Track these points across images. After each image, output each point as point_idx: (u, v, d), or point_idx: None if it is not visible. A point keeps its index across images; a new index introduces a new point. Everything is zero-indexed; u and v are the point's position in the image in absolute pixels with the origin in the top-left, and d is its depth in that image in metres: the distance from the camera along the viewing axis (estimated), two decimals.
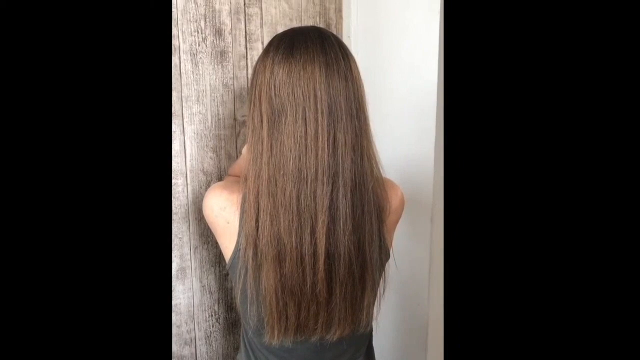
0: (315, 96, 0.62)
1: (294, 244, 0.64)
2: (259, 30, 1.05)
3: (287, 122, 0.63)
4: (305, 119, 0.62)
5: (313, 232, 0.64)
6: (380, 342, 0.88)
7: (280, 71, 0.63)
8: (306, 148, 0.62)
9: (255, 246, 0.65)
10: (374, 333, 0.85)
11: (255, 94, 0.66)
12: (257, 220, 0.65)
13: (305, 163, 0.62)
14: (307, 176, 0.63)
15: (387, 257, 0.75)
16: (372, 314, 0.76)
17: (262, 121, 0.64)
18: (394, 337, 1.25)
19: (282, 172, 0.63)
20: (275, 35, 0.70)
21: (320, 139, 0.62)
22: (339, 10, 1.22)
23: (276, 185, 0.63)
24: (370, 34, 1.22)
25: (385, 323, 1.26)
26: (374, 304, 0.75)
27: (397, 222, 0.78)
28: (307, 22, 1.15)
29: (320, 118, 0.62)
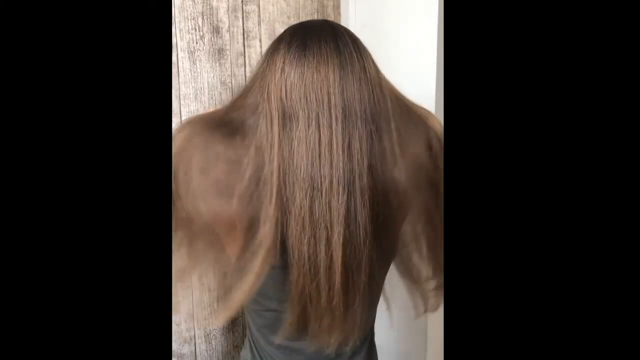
0: (329, 101, 0.60)
1: (306, 255, 0.61)
2: (257, 27, 1.05)
3: (299, 128, 0.60)
4: (319, 125, 0.60)
5: (329, 244, 0.61)
6: (381, 340, 0.89)
7: (292, 72, 0.61)
8: (320, 156, 0.60)
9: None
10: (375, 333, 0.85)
11: (264, 92, 0.63)
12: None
13: (319, 171, 0.60)
14: (321, 185, 0.60)
15: (394, 256, 0.75)
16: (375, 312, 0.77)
17: (272, 123, 0.62)
18: (394, 335, 1.26)
19: (291, 180, 0.60)
20: (286, 30, 0.67)
21: (335, 147, 0.60)
22: (336, 7, 1.22)
23: (285, 192, 0.61)
24: (368, 31, 1.22)
25: (385, 321, 1.27)
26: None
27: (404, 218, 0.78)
28: (305, 19, 1.15)
29: (334, 124, 0.60)
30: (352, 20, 1.25)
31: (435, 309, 0.74)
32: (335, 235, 0.61)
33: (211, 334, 1.07)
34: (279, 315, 0.68)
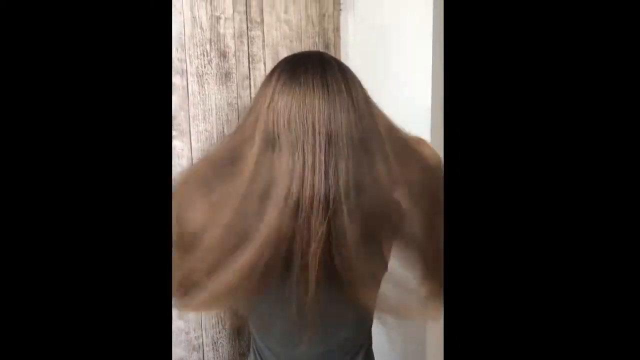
0: (314, 128, 0.63)
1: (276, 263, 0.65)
2: (262, 51, 1.12)
3: (282, 152, 0.63)
4: (303, 150, 0.62)
5: (304, 256, 0.64)
6: (380, 346, 0.93)
7: (280, 101, 0.64)
8: (301, 179, 0.62)
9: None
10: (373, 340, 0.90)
11: (254, 119, 0.66)
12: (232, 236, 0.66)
13: (300, 192, 0.62)
14: (297, 203, 0.63)
15: (385, 269, 0.79)
16: (371, 318, 0.81)
17: (256, 147, 0.65)
18: (393, 341, 1.30)
19: (266, 199, 0.63)
20: (279, 62, 0.71)
21: (317, 170, 0.62)
22: (336, 30, 1.28)
23: (262, 209, 0.63)
24: (367, 52, 1.28)
25: (383, 328, 1.31)
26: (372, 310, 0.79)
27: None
28: (307, 42, 1.22)
29: (317, 150, 0.62)
30: (352, 42, 1.31)
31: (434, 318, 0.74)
32: (312, 249, 0.63)
33: (218, 342, 1.13)
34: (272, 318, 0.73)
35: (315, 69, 0.66)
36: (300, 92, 0.64)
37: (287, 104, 0.63)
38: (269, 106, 0.64)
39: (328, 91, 0.64)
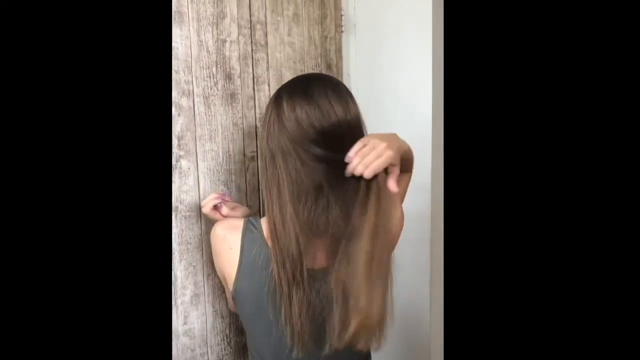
0: (336, 129, 0.74)
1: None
2: (266, 73, 1.15)
3: (312, 153, 0.74)
4: (331, 148, 0.74)
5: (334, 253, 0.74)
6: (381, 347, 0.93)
7: (300, 111, 0.73)
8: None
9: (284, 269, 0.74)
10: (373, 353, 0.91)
11: (275, 134, 0.75)
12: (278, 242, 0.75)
13: (327, 182, 0.75)
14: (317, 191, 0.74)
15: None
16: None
17: (281, 157, 0.75)
18: (394, 342, 1.30)
19: (299, 192, 0.74)
20: (288, 82, 0.80)
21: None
22: (338, 51, 1.32)
23: (295, 203, 0.74)
24: (368, 72, 1.31)
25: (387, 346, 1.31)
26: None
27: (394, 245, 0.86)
28: (310, 63, 1.25)
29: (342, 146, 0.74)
30: (353, 62, 1.35)
31: None
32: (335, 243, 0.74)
33: (223, 359, 1.13)
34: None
35: (327, 82, 0.76)
36: (314, 101, 0.73)
37: (308, 113, 0.72)
38: (288, 118, 0.73)
39: (340, 99, 0.74)
